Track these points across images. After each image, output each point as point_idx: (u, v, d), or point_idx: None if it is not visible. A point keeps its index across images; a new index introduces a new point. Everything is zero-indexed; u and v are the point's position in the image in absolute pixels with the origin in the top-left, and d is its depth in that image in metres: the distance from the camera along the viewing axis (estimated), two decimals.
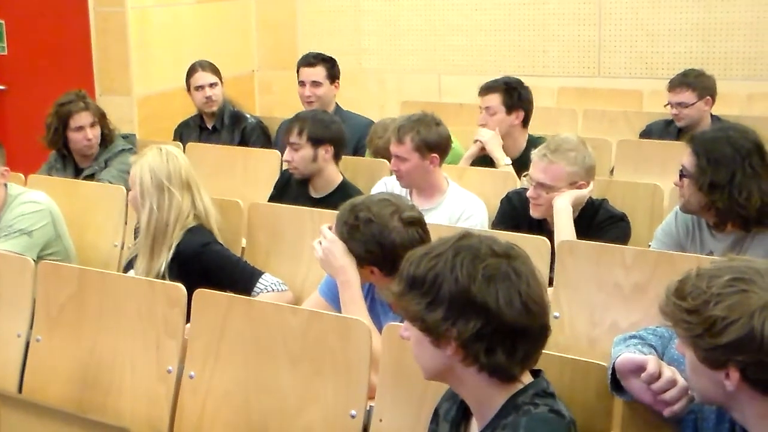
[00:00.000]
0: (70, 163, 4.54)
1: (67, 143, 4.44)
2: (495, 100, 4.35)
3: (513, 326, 1.78)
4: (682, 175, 2.99)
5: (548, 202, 3.32)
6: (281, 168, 4.30)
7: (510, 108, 4.33)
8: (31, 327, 2.91)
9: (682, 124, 4.81)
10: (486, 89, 4.41)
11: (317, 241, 2.77)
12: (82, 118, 4.38)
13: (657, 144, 4.60)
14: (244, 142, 5.12)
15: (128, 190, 3.83)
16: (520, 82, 4.42)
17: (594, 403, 2.00)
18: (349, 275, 2.67)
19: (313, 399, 2.42)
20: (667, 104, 4.85)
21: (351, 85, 6.11)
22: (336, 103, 5.05)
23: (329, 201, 3.77)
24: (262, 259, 3.45)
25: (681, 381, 1.86)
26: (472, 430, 1.91)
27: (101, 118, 4.47)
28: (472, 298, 1.78)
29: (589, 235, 3.23)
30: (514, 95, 4.35)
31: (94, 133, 4.41)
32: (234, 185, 4.43)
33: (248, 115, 5.29)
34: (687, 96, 4.77)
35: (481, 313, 1.77)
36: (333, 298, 2.88)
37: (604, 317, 2.83)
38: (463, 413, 1.94)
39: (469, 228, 1.88)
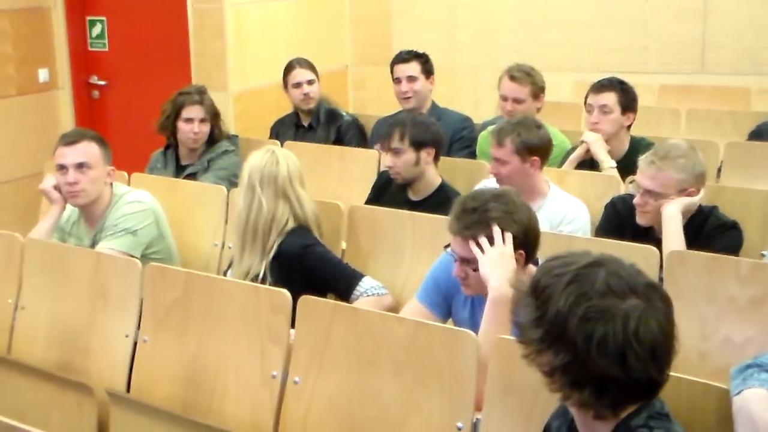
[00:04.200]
0: (172, 159, 4.61)
1: (176, 132, 4.54)
2: (611, 98, 4.22)
3: (602, 372, 1.69)
4: None
5: (656, 209, 3.23)
6: (379, 167, 4.29)
7: (624, 108, 4.21)
8: (138, 328, 2.95)
9: None
10: (601, 87, 4.27)
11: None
12: (194, 111, 4.48)
13: (766, 146, 4.44)
14: (339, 140, 5.12)
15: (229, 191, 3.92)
16: (628, 84, 4.32)
17: (714, 427, 1.93)
18: (506, 292, 2.45)
19: (417, 409, 2.40)
20: None
21: (445, 81, 6.05)
22: (432, 99, 5.02)
23: (428, 204, 3.75)
24: (362, 262, 3.45)
25: None
26: None
27: (213, 117, 4.56)
28: (566, 331, 1.71)
29: (699, 243, 3.13)
30: (629, 95, 4.24)
31: (201, 129, 4.50)
32: (330, 184, 4.44)
33: (344, 113, 5.29)
34: None
35: (571, 350, 1.71)
36: (431, 303, 2.87)
37: (716, 331, 2.75)
38: None
39: (603, 256, 1.77)
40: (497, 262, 2.55)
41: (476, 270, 2.60)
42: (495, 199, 2.65)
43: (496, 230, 2.59)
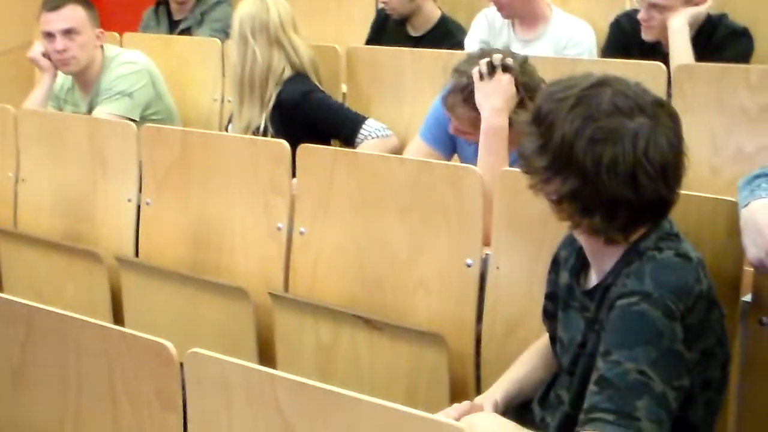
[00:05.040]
0: (164, 16, 4.52)
1: None
2: None
3: (613, 194, 1.64)
4: None
5: (662, 23, 3.13)
6: (377, 6, 4.17)
7: None
8: (140, 191, 2.92)
9: None
10: None
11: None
12: None
13: None
14: None
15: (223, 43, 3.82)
16: None
17: (725, 241, 1.88)
18: (500, 121, 2.47)
19: (426, 249, 2.37)
20: None
21: None
22: None
23: (429, 38, 3.67)
24: (364, 104, 3.38)
25: None
26: (592, 278, 1.82)
27: None
28: (573, 156, 1.64)
29: (708, 54, 3.05)
30: None
31: None
32: (328, 28, 4.33)
33: None
34: None
35: (579, 174, 1.64)
36: (435, 140, 2.80)
37: (728, 143, 2.70)
38: (582, 261, 1.85)
39: (606, 76, 1.69)
40: (492, 91, 2.48)
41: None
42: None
43: (496, 57, 2.49)
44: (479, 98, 2.50)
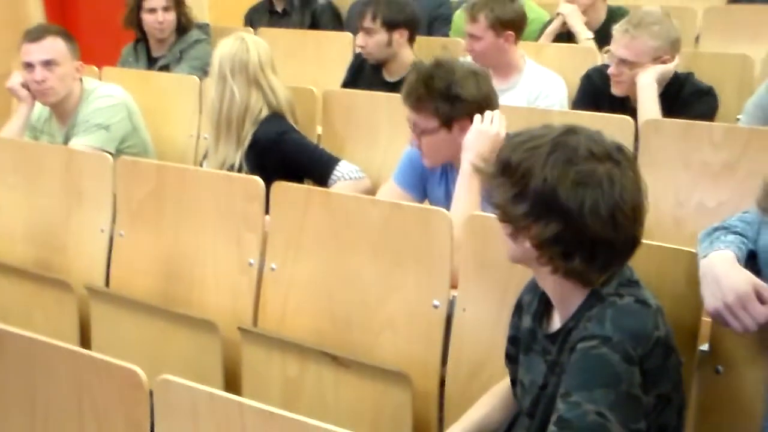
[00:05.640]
0: (143, 53, 4.56)
1: (141, 25, 4.48)
2: None
3: (594, 236, 1.70)
4: None
5: (631, 78, 3.20)
6: (354, 51, 4.23)
7: None
8: (113, 222, 2.94)
9: None
10: None
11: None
12: (155, 0, 4.39)
13: (747, 9, 4.36)
14: (314, 24, 5.04)
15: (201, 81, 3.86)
16: None
17: (684, 290, 1.93)
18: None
19: (395, 289, 2.41)
20: None
21: None
22: None
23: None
24: (338, 146, 3.42)
25: None
26: (554, 322, 1.87)
27: (177, 4, 4.48)
28: (556, 200, 1.70)
29: (674, 111, 3.12)
30: None
31: (166, 17, 4.43)
32: (306, 70, 4.37)
33: None
34: None
35: (562, 218, 1.70)
36: (407, 184, 2.85)
37: (691, 197, 2.77)
38: (545, 306, 1.90)
39: (572, 125, 1.77)
40: (487, 138, 2.56)
41: (424, 134, 2.64)
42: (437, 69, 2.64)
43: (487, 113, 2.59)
44: (470, 138, 2.58)
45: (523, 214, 1.74)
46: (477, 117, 2.59)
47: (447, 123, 2.62)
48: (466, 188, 2.55)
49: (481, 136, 2.57)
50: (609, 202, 1.69)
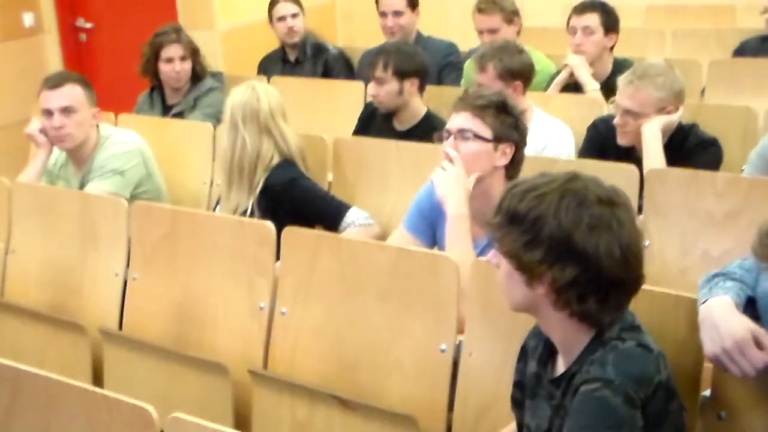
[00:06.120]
0: (158, 100, 4.64)
1: (158, 74, 4.56)
2: (594, 19, 4.22)
3: (610, 277, 1.76)
4: None
5: (636, 129, 3.25)
6: (365, 99, 4.29)
7: (607, 29, 4.22)
8: (127, 266, 2.99)
9: None
10: (584, 8, 4.28)
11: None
12: (172, 50, 4.49)
13: (750, 62, 4.42)
14: (327, 73, 5.12)
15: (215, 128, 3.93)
16: (609, 5, 4.31)
17: (686, 337, 1.97)
18: (463, 209, 2.64)
19: (402, 334, 2.45)
20: (765, 11, 4.63)
21: (432, 11, 5.99)
22: (417, 29, 4.99)
23: (414, 133, 3.76)
24: (349, 193, 3.47)
25: None
26: (558, 367, 1.91)
27: (193, 54, 4.56)
28: (573, 245, 1.75)
29: (679, 161, 3.16)
30: (612, 16, 4.24)
31: (183, 67, 4.51)
32: (318, 118, 4.44)
33: (330, 46, 5.28)
34: None
35: (580, 261, 1.75)
36: (417, 230, 2.89)
37: (695, 246, 2.79)
38: (549, 350, 1.94)
39: (572, 172, 1.83)
40: (451, 183, 2.65)
41: (470, 140, 2.70)
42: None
43: (452, 153, 2.68)
44: (441, 191, 2.67)
45: (539, 260, 1.78)
46: (442, 165, 2.69)
47: (497, 140, 2.69)
48: (455, 235, 2.63)
49: (452, 182, 2.65)
50: (621, 243, 1.76)
